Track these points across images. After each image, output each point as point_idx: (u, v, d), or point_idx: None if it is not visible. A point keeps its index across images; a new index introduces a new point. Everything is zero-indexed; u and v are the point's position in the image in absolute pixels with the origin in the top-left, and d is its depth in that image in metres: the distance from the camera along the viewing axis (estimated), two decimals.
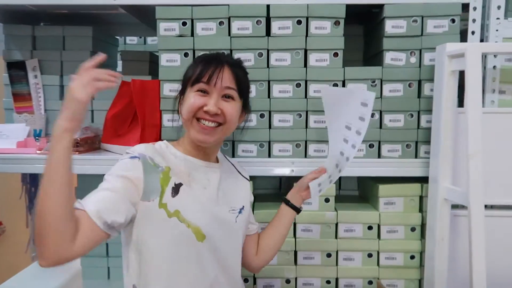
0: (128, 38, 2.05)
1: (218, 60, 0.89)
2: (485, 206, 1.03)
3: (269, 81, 1.19)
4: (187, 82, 0.90)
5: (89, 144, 1.33)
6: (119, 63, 1.76)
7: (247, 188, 1.05)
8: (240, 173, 1.05)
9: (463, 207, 1.16)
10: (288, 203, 1.07)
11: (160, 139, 1.25)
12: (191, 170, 0.91)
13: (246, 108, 0.98)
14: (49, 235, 0.69)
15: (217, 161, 1.00)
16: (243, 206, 0.98)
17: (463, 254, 1.13)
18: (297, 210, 1.07)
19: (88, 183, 1.43)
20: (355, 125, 0.94)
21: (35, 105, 1.43)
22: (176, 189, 0.86)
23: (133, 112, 1.39)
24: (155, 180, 0.85)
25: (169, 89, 1.22)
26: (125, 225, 0.81)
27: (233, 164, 1.06)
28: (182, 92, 0.93)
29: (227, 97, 0.89)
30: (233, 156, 1.21)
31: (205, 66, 0.88)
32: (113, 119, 1.36)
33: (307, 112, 1.20)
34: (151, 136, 1.24)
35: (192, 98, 0.87)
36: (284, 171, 1.21)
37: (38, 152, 1.26)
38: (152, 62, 1.51)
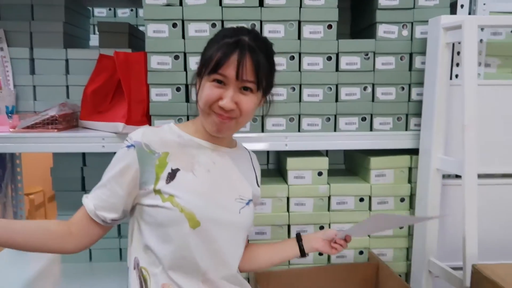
0: (96, 10, 1.92)
1: (240, 46, 0.79)
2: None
3: None
4: (204, 66, 0.82)
5: (67, 121, 1.25)
6: (92, 36, 1.65)
7: (254, 183, 0.95)
8: (253, 166, 0.98)
9: (452, 176, 1.22)
10: (299, 242, 0.99)
11: (147, 114, 1.19)
12: (196, 151, 0.86)
13: (266, 94, 0.88)
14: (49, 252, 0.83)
15: (234, 145, 0.95)
16: (251, 200, 0.91)
17: (452, 222, 1.18)
18: (303, 254, 0.99)
19: (66, 162, 1.38)
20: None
21: (2, 80, 1.32)
22: (172, 175, 0.82)
23: (114, 87, 1.31)
24: (150, 168, 0.81)
25: (157, 61, 1.15)
26: (123, 217, 0.85)
27: (249, 154, 0.99)
28: (199, 73, 0.84)
29: (244, 89, 0.81)
30: None
31: (225, 54, 0.78)
32: (93, 95, 1.28)
33: (300, 85, 1.19)
34: (138, 112, 1.18)
35: (208, 89, 0.80)
36: (277, 145, 1.19)
37: (11, 130, 1.17)
38: (131, 34, 1.42)
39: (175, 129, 0.88)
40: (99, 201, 0.82)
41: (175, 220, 0.79)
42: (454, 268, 1.07)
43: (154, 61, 1.15)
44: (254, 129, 1.19)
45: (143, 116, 1.20)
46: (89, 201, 0.83)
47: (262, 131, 1.20)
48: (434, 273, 1.14)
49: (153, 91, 1.17)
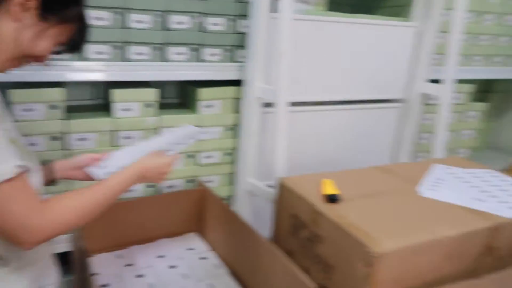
0: None
1: None
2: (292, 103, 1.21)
3: None
4: None
5: None
6: None
7: None
8: None
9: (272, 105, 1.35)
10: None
11: None
12: None
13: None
14: None
15: None
16: None
17: (271, 147, 1.32)
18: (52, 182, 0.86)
19: None
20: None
21: None
22: None
23: None
24: None
25: None
26: None
27: None
28: None
29: None
30: None
31: None
32: None
33: (126, 9, 1.08)
34: None
35: None
36: (100, 76, 1.09)
37: None
38: None
39: None
40: None
41: None
42: (271, 187, 1.22)
43: None
44: (73, 58, 1.05)
45: None
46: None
47: (83, 60, 1.07)
48: (254, 192, 1.29)
49: None
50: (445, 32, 1.44)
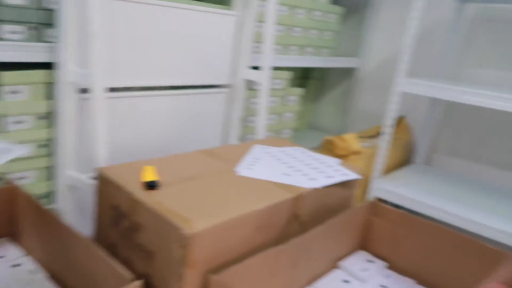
0: None
1: None
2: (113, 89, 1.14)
3: None
4: None
5: None
6: None
7: None
8: None
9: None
10: None
11: None
12: None
13: None
14: None
15: None
16: None
17: (90, 136, 1.24)
18: None
19: None
20: None
21: None
22: None
23: None
24: None
25: None
26: None
27: None
28: None
29: None
30: None
31: None
32: None
33: None
34: None
35: None
36: None
37: None
38: None
39: None
40: None
41: None
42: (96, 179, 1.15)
43: None
44: None
45: None
46: None
47: None
48: (76, 186, 1.19)
49: None
50: (262, 22, 1.56)
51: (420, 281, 1.12)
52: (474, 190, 1.73)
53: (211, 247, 0.80)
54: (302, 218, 1.01)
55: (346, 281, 1.09)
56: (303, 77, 2.29)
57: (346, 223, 1.12)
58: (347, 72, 2.28)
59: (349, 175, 1.09)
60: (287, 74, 1.83)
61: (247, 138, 1.77)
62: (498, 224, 1.42)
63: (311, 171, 1.09)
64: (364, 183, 1.75)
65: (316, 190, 1.01)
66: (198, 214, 0.80)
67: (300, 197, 0.98)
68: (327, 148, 1.80)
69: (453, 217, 1.49)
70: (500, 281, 0.69)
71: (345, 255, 1.20)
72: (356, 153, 1.74)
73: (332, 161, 1.18)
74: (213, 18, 1.45)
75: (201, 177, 0.98)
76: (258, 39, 1.61)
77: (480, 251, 1.02)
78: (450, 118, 1.96)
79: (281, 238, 0.97)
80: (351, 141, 1.75)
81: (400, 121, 2.03)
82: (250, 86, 1.68)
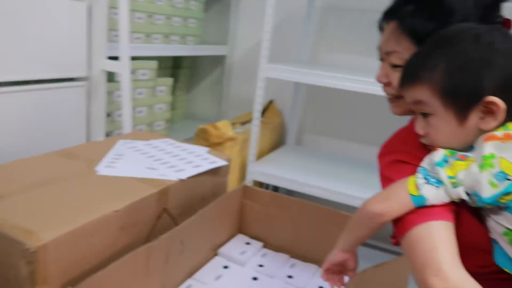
0: None
1: None
2: None
3: None
4: None
5: None
6: None
7: None
8: None
9: None
10: None
11: None
12: None
13: None
14: None
15: None
16: None
17: None
18: None
19: None
20: None
21: None
22: None
23: None
24: None
25: None
26: None
27: None
28: None
29: None
30: None
31: None
32: None
33: None
34: None
35: None
36: None
37: None
38: None
39: None
40: None
41: None
42: None
43: None
44: None
45: None
46: None
47: None
48: None
49: None
50: (115, 8, 1.45)
51: (293, 255, 1.18)
52: (340, 164, 1.89)
53: (66, 258, 0.72)
54: (172, 212, 0.98)
55: (226, 267, 1.10)
56: (174, 66, 2.23)
57: (220, 210, 1.13)
58: (217, 60, 2.29)
59: (217, 162, 1.08)
60: (153, 64, 1.76)
61: (115, 134, 1.66)
62: (361, 193, 1.56)
63: (178, 162, 1.05)
64: (242, 167, 1.79)
65: (184, 181, 0.98)
66: (45, 225, 0.71)
67: (167, 190, 0.94)
68: (202, 137, 1.79)
69: (324, 191, 1.61)
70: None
71: (225, 241, 1.20)
72: (231, 139, 1.76)
73: (200, 150, 1.16)
74: (61, 4, 1.30)
75: (52, 183, 0.87)
76: (115, 27, 1.50)
77: (343, 221, 1.12)
78: (314, 99, 2.11)
79: (152, 235, 0.92)
80: (225, 128, 1.77)
81: (269, 105, 2.12)
82: (113, 78, 1.57)
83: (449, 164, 0.58)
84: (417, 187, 0.59)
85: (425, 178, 0.59)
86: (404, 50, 0.69)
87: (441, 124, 0.60)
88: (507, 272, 0.58)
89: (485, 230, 0.61)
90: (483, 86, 0.57)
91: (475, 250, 0.60)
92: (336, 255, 0.76)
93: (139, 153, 1.09)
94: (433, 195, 0.58)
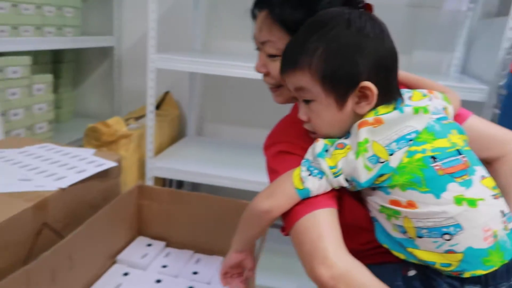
0: None
1: None
2: None
3: None
4: None
5: None
6: None
7: None
8: None
9: None
10: None
11: None
12: None
13: None
14: None
15: None
16: None
17: None
18: None
19: None
20: None
21: None
22: None
23: None
24: None
25: None
26: None
27: None
28: None
29: None
30: None
31: None
32: None
33: None
34: None
35: None
36: None
37: None
38: None
39: None
40: None
41: None
42: None
43: None
44: None
45: None
46: None
47: None
48: None
49: None
50: None
51: (198, 250, 1.15)
52: (243, 152, 1.89)
53: None
54: (55, 226, 0.88)
55: (126, 274, 1.03)
56: (54, 61, 2.01)
57: (114, 215, 1.05)
58: (104, 52, 2.12)
59: (105, 164, 1.00)
60: (25, 60, 1.56)
61: None
62: (262, 178, 1.56)
63: (58, 169, 0.95)
64: (141, 165, 1.70)
65: (65, 190, 0.88)
66: None
67: (45, 203, 0.84)
68: (93, 137, 1.65)
69: (230, 181, 1.59)
70: None
71: (124, 246, 1.13)
72: (125, 136, 1.66)
73: (85, 153, 1.06)
74: None
75: None
76: None
77: (242, 209, 1.11)
78: (211, 88, 2.08)
79: (33, 255, 0.82)
80: (117, 125, 1.65)
81: (165, 97, 2.04)
82: None
83: (330, 154, 0.59)
84: (301, 180, 0.59)
85: (309, 170, 0.59)
86: (278, 40, 0.68)
87: (322, 109, 0.61)
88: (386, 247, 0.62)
89: (366, 210, 0.64)
90: (359, 71, 0.58)
91: (358, 230, 0.63)
92: (231, 257, 0.75)
93: (10, 163, 0.95)
94: (317, 186, 0.59)
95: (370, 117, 0.58)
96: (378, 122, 0.57)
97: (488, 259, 0.55)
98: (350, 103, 0.60)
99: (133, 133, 1.67)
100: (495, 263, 0.55)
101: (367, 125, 0.57)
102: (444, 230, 0.55)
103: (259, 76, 1.47)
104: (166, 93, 2.05)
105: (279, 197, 0.61)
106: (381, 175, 0.56)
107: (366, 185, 0.57)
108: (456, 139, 0.59)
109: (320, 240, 0.56)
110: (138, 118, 1.85)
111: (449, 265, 0.56)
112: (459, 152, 0.58)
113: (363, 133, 0.57)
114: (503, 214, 0.57)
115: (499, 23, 1.41)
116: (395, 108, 0.59)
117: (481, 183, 0.57)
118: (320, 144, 0.60)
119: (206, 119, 2.14)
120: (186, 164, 1.68)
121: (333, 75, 0.59)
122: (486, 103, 1.33)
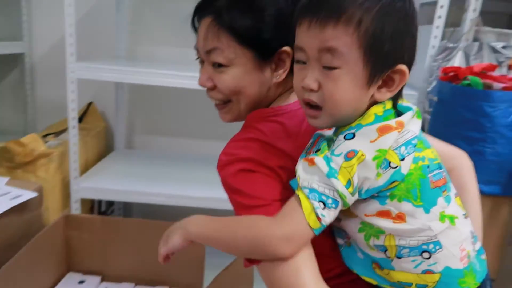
0: None
1: None
2: None
3: None
4: None
5: None
6: None
7: None
8: None
9: None
10: None
11: None
12: None
13: None
14: None
15: None
16: None
17: None
18: None
19: None
20: None
21: None
22: None
23: None
24: None
25: None
26: None
27: None
28: None
29: None
30: None
31: None
32: None
33: None
34: None
35: None
36: None
37: None
38: None
39: None
40: None
41: None
42: None
43: None
44: None
45: None
46: None
47: None
48: None
49: None
50: None
51: (138, 282, 1.04)
52: (177, 164, 1.78)
53: None
54: None
55: None
56: None
57: (37, 252, 0.90)
58: (13, 59, 1.88)
59: (22, 196, 0.85)
60: None
61: None
62: (207, 193, 1.46)
63: None
64: (65, 186, 1.52)
65: None
66: None
67: None
68: (5, 158, 1.44)
69: (167, 198, 1.46)
70: None
71: (53, 286, 0.98)
72: (43, 155, 1.47)
73: None
74: None
75: None
76: None
77: None
78: (139, 97, 1.94)
79: None
80: (33, 143, 1.46)
81: (88, 108, 1.86)
82: None
83: (337, 166, 0.49)
84: (319, 219, 0.50)
85: (321, 201, 0.50)
86: (226, 47, 0.62)
87: (348, 81, 0.49)
88: (354, 273, 0.59)
89: (327, 236, 0.60)
90: (403, 53, 0.50)
91: (323, 256, 0.58)
92: (180, 243, 0.62)
93: None
94: (332, 217, 0.51)
95: (391, 120, 0.51)
96: (401, 126, 0.51)
97: (463, 280, 0.53)
98: (376, 85, 0.51)
99: (53, 151, 1.48)
100: (470, 284, 0.54)
101: (392, 131, 0.50)
102: (424, 247, 0.52)
103: (192, 85, 1.37)
104: (89, 104, 1.87)
105: (300, 243, 0.53)
106: (392, 182, 0.50)
107: (371, 193, 0.51)
108: (435, 152, 0.57)
109: (299, 274, 0.51)
110: (58, 134, 1.66)
111: (425, 286, 0.54)
112: (440, 166, 0.55)
113: (389, 140, 0.49)
114: (472, 235, 0.56)
115: (423, 31, 1.47)
116: (393, 106, 0.54)
117: (455, 201, 0.55)
118: (319, 161, 0.50)
119: (135, 131, 2.00)
120: (116, 182, 1.54)
121: (382, 46, 0.49)
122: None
